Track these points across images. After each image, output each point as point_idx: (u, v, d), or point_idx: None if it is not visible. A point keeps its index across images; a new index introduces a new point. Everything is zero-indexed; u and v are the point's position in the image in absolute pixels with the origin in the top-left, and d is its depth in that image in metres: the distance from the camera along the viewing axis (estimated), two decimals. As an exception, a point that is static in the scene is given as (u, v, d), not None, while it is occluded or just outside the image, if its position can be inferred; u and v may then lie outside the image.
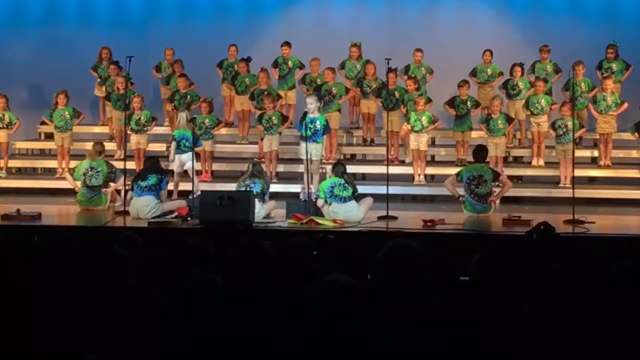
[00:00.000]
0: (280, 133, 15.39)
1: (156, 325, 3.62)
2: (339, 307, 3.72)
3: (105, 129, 17.22)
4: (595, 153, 15.95)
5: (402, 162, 15.82)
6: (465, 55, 16.90)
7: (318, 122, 13.39)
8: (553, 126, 15.19)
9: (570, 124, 14.74)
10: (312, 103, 13.43)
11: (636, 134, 15.21)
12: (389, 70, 15.28)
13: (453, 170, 13.91)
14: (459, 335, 3.99)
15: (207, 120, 15.57)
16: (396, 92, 15.85)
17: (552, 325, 3.80)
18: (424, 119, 15.23)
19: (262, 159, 15.18)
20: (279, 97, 16.04)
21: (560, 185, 14.95)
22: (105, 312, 3.58)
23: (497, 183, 13.13)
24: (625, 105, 15.47)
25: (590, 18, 17.89)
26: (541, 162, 15.63)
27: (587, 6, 18.20)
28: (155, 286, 3.78)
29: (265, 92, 15.55)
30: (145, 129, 15.59)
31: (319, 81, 15.97)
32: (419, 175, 15.33)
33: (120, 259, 5.14)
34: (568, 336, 3.72)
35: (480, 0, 18.55)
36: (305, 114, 13.43)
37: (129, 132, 15.40)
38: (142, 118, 15.54)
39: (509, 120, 15.44)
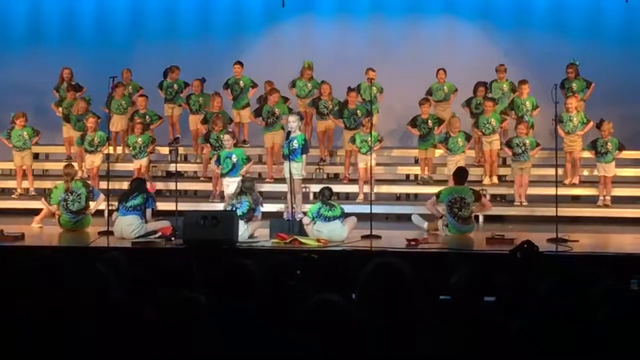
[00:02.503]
0: None
1: (141, 343, 3.60)
2: (329, 326, 3.71)
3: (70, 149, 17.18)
4: (586, 172, 16.00)
5: (352, 181, 15.86)
6: (450, 72, 16.90)
7: (296, 141, 13.39)
8: (509, 144, 15.28)
9: (527, 142, 15.06)
10: (294, 121, 13.43)
11: (593, 151, 15.28)
12: (350, 89, 15.59)
13: (434, 189, 13.94)
14: (444, 354, 3.99)
15: (139, 139, 15.84)
16: (358, 111, 15.89)
17: (538, 344, 3.81)
18: (370, 140, 15.04)
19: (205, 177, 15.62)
20: (231, 121, 16.26)
21: (515, 203, 15.12)
22: (91, 330, 3.57)
23: (478, 204, 13.05)
24: (591, 124, 15.50)
25: (573, 35, 17.94)
26: (494, 180, 15.82)
27: (570, 24, 18.26)
28: (140, 305, 3.77)
29: (218, 114, 15.69)
30: (98, 149, 15.71)
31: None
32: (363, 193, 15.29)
33: (103, 279, 5.11)
34: (551, 355, 3.74)
35: (465, 18, 18.60)
36: (289, 133, 13.44)
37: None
38: (96, 139, 15.75)
39: (468, 137, 15.53)
